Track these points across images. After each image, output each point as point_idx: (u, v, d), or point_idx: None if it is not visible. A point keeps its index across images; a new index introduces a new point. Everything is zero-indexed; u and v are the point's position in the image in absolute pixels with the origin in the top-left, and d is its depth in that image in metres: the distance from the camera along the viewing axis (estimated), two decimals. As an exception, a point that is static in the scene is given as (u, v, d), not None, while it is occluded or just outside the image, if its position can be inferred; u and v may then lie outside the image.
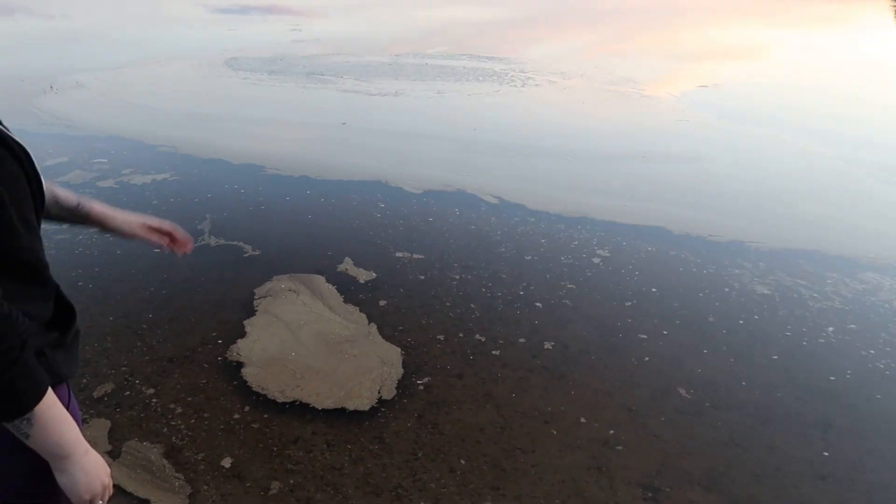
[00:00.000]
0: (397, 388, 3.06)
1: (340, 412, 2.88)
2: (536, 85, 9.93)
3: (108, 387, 2.99)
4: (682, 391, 3.11)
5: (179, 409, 2.86)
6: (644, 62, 12.84)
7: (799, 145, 7.30)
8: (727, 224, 5.14)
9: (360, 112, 8.18)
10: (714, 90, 10.08)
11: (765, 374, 3.27)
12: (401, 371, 3.19)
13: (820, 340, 3.57)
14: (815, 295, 4.04)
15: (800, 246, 4.77)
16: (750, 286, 4.15)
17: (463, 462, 2.62)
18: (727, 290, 4.11)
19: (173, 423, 2.78)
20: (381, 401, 2.96)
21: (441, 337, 3.50)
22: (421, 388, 3.07)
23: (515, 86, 9.79)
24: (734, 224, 5.15)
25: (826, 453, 2.74)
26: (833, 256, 4.62)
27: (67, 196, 1.39)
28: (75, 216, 1.40)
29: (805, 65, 13.52)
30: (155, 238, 1.52)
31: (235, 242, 4.57)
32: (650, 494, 2.48)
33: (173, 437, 2.70)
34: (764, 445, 2.77)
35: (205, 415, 2.84)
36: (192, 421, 2.80)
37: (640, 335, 3.58)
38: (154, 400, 2.92)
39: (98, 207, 1.43)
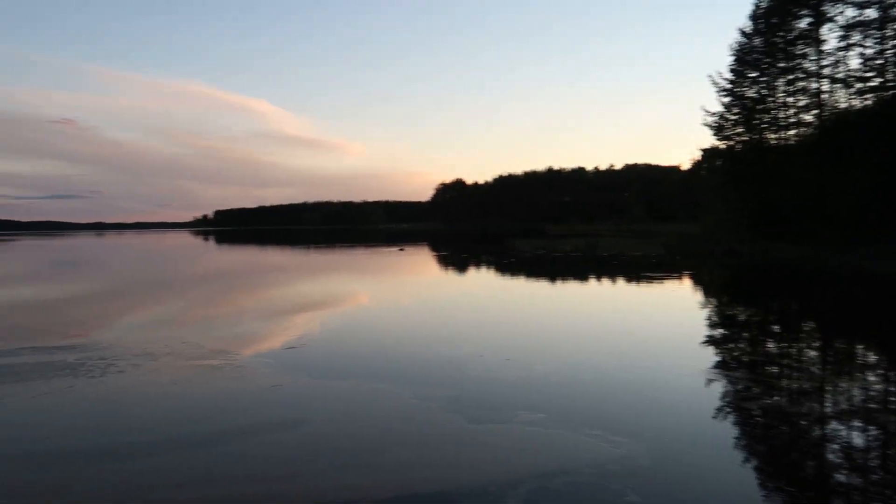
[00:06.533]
0: None
1: None
2: (119, 371, 9.25)
3: None
4: None
5: None
6: (232, 328, 13.19)
7: (380, 390, 8.15)
8: (341, 485, 5.30)
9: None
10: (301, 350, 10.79)
11: None
12: None
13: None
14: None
15: (399, 492, 5.15)
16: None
17: None
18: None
19: None
20: None
21: None
22: None
23: (94, 376, 8.95)
24: (349, 483, 5.34)
25: None
26: (428, 494, 5.09)
27: None
28: None
29: (375, 311, 15.63)
30: None
31: None
32: None
33: None
34: None
35: None
36: None
37: None
38: None
39: None
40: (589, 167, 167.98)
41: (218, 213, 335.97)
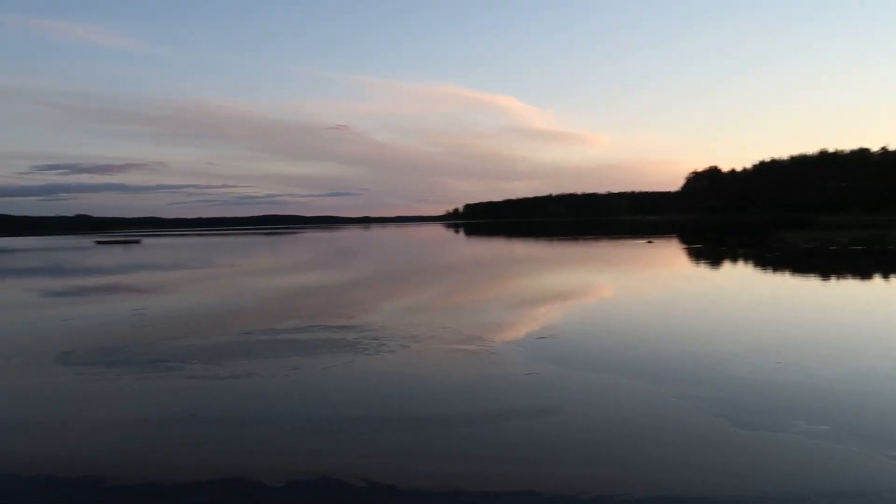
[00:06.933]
0: None
1: None
2: (390, 351, 10.22)
3: None
4: None
5: None
6: (484, 315, 13.79)
7: (634, 386, 7.91)
8: (592, 476, 5.27)
9: (211, 400, 7.85)
10: (552, 340, 10.91)
11: None
12: None
13: None
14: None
15: (656, 493, 4.95)
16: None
17: None
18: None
19: None
20: None
21: None
22: None
23: (370, 354, 10.01)
24: (599, 475, 5.29)
25: None
26: (691, 499, 4.81)
27: None
28: None
29: (622, 304, 15.21)
30: None
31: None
32: None
33: None
34: None
35: None
36: None
37: None
38: None
39: None
40: (874, 147, 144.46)
41: (467, 206, 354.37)
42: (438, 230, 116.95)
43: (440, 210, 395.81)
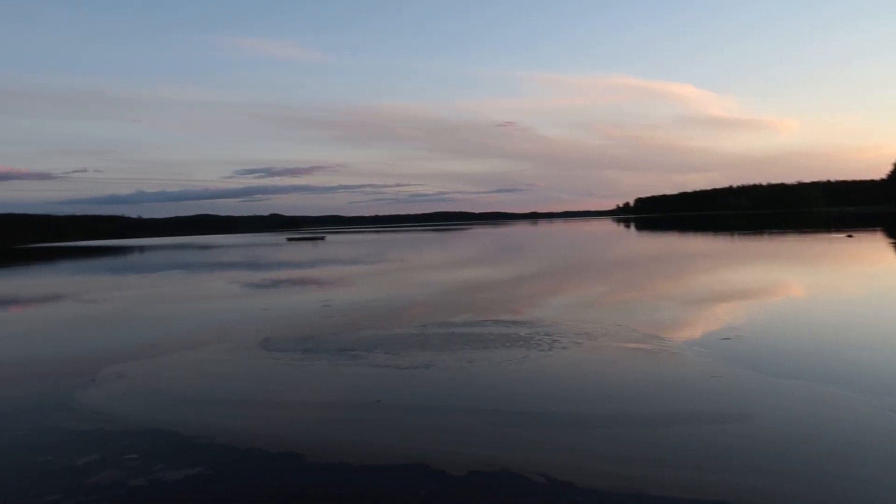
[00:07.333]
0: None
1: None
2: (563, 348, 10.14)
3: None
4: None
5: None
6: (659, 313, 13.21)
7: (837, 395, 7.16)
8: (786, 493, 4.87)
9: (393, 388, 8.29)
10: (738, 341, 10.19)
11: None
12: None
13: None
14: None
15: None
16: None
17: None
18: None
19: None
20: None
21: None
22: None
23: (543, 350, 10.00)
24: (795, 493, 4.87)
25: None
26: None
27: None
28: None
29: (818, 305, 13.81)
30: None
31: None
32: None
33: None
34: None
35: None
36: None
37: None
38: None
39: None
40: None
41: (638, 200, 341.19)
42: (608, 225, 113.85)
43: (609, 204, 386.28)
